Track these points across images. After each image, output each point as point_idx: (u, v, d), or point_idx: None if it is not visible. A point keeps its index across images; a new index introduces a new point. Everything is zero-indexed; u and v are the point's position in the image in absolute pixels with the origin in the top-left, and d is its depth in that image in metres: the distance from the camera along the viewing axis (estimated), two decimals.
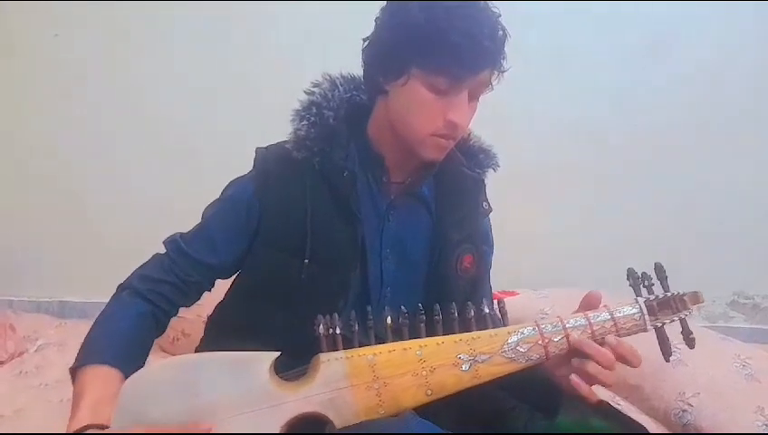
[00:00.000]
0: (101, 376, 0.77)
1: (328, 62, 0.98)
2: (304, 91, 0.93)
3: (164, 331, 0.93)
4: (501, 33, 0.83)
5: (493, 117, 1.02)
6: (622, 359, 0.75)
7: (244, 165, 0.97)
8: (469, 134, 1.01)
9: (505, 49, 0.85)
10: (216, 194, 0.98)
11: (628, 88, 1.98)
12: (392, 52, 0.84)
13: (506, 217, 1.15)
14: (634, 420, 0.91)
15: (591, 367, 0.73)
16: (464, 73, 0.81)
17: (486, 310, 0.76)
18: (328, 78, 0.95)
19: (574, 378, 0.74)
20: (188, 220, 0.96)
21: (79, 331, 0.87)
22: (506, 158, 1.03)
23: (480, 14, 0.82)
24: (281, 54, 1.95)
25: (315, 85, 0.94)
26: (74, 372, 0.79)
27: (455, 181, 0.97)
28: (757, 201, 2.02)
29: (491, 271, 1.06)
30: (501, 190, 1.05)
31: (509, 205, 1.20)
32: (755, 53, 1.95)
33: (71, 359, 0.81)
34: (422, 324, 0.75)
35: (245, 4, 1.93)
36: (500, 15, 0.84)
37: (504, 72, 0.87)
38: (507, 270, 1.22)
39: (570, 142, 2.01)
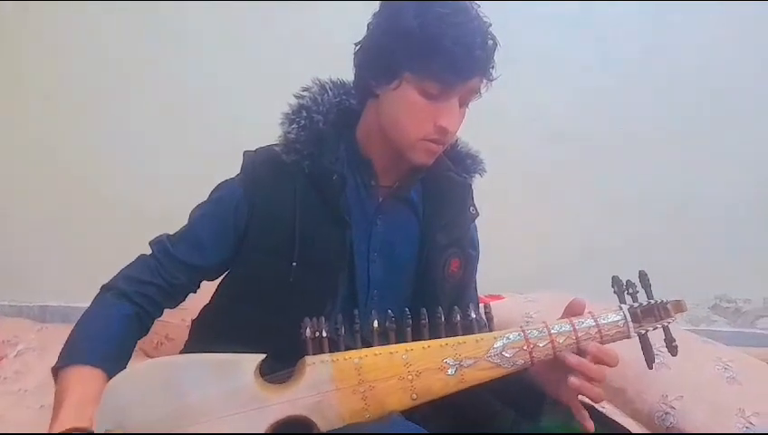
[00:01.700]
0: (85, 377, 0.76)
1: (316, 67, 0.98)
2: (294, 95, 0.94)
3: (147, 332, 0.93)
4: (491, 42, 0.85)
5: (482, 121, 1.03)
6: (601, 363, 0.76)
7: (224, 170, 0.97)
8: (456, 140, 1.02)
9: (494, 57, 0.86)
10: (198, 198, 0.98)
11: (617, 92, 2.00)
12: (385, 56, 0.85)
13: (493, 222, 1.16)
14: (617, 423, 0.92)
15: (578, 382, 0.74)
16: (455, 80, 0.82)
17: (473, 315, 0.77)
18: (317, 82, 0.95)
19: (566, 391, 0.76)
20: (171, 223, 0.96)
21: (60, 335, 0.86)
22: (494, 161, 1.04)
23: (472, 23, 0.83)
24: (265, 58, 1.94)
25: (305, 89, 0.94)
26: (57, 372, 0.78)
27: (442, 186, 0.98)
28: (740, 205, 2.05)
29: (477, 275, 1.07)
30: (488, 195, 1.06)
31: (496, 209, 1.21)
32: (747, 58, 1.98)
33: (51, 364, 0.80)
34: (408, 329, 0.75)
35: (238, 6, 1.92)
36: (491, 25, 0.86)
37: (493, 80, 0.88)
38: (493, 274, 1.22)
39: (555, 147, 2.02)
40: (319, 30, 1.90)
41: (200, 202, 0.97)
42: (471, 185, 1.02)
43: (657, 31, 1.97)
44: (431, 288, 0.94)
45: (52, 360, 0.80)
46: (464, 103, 0.88)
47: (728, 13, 1.94)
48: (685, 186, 2.05)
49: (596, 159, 2.03)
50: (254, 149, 0.98)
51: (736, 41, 1.97)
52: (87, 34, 1.96)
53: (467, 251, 1.00)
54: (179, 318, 1.39)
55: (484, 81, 0.87)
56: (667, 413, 1.31)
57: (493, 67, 0.87)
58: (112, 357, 0.80)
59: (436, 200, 0.97)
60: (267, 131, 0.96)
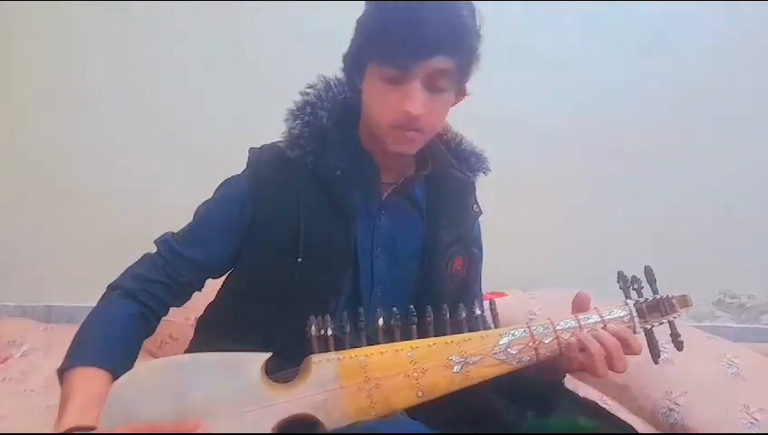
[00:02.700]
0: (90, 378, 0.76)
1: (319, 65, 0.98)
2: (299, 92, 0.94)
3: (153, 331, 0.92)
4: (458, 21, 0.83)
5: (481, 118, 1.02)
6: (626, 343, 0.76)
7: (228, 167, 0.98)
8: (461, 138, 1.02)
9: (466, 37, 0.84)
10: (203, 195, 0.98)
11: (617, 89, 1.99)
12: (355, 50, 0.88)
13: (496, 219, 1.16)
14: (621, 420, 0.93)
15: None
16: (408, 61, 0.81)
17: (478, 311, 0.77)
18: (323, 79, 0.96)
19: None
20: (175, 221, 0.96)
21: (65, 335, 0.86)
22: (495, 159, 1.04)
23: (428, 4, 0.82)
24: (268, 55, 1.94)
25: (310, 86, 0.95)
26: (62, 373, 0.78)
27: (445, 184, 0.98)
28: (743, 201, 2.04)
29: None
30: (490, 192, 1.06)
31: (498, 206, 1.20)
32: (745, 55, 1.97)
33: (56, 364, 0.80)
34: (414, 326, 0.75)
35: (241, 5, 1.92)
36: (467, 5, 0.84)
37: (472, 60, 0.86)
38: (496, 271, 1.22)
39: (557, 143, 2.02)
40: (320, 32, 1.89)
41: (205, 199, 0.97)
42: (474, 183, 1.02)
43: (657, 25, 1.96)
44: (435, 286, 0.94)
45: (58, 360, 0.80)
46: (435, 87, 0.84)
47: (731, 8, 1.93)
48: (687, 181, 2.04)
49: (598, 156, 2.03)
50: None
51: (741, 37, 1.95)
52: (85, 36, 1.96)
53: (471, 250, 1.00)
54: (183, 317, 1.40)
55: (462, 62, 0.84)
56: (671, 410, 1.31)
57: (468, 47, 0.84)
58: (117, 358, 0.80)
59: (439, 198, 0.98)
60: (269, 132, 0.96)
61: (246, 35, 1.95)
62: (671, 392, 1.32)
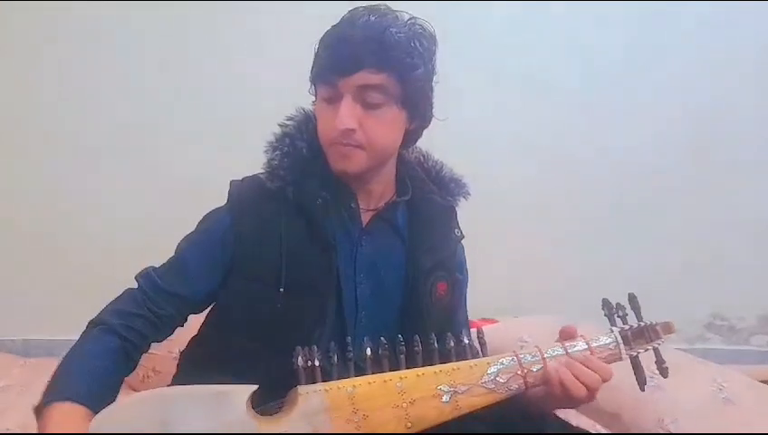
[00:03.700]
0: (68, 413, 0.74)
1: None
2: (279, 124, 0.96)
3: (135, 367, 0.91)
4: (387, 36, 0.84)
5: (472, 143, 1.02)
6: (587, 362, 0.77)
7: (214, 199, 0.97)
8: (441, 165, 1.04)
9: (407, 55, 0.85)
10: (186, 227, 0.97)
11: (610, 119, 2.02)
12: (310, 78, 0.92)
13: (487, 246, 1.16)
14: None
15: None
16: (333, 77, 0.85)
17: (466, 340, 0.76)
18: (302, 111, 0.97)
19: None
20: (157, 255, 0.95)
21: (44, 370, 0.84)
22: (485, 187, 1.04)
23: (355, 25, 0.85)
24: (253, 87, 1.95)
25: (290, 118, 0.97)
26: (40, 410, 0.76)
27: (426, 209, 0.99)
28: (734, 224, 2.06)
29: (469, 299, 1.07)
30: (479, 219, 1.06)
31: (490, 233, 1.21)
32: (729, 83, 2.02)
33: (35, 401, 0.77)
34: (402, 355, 0.74)
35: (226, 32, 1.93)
36: (403, 23, 0.86)
37: (415, 77, 0.86)
38: (487, 298, 1.21)
39: (545, 171, 2.04)
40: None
41: (188, 233, 0.97)
42: (455, 208, 1.03)
43: (643, 53, 2.00)
44: (418, 312, 0.94)
45: (37, 396, 0.78)
46: (367, 102, 0.85)
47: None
48: (678, 205, 2.06)
49: (586, 183, 2.05)
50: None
51: (721, 61, 2.00)
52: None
53: (454, 274, 1.00)
54: (166, 350, 1.37)
55: (395, 76, 0.85)
56: None
57: (398, 62, 0.85)
58: (96, 393, 0.78)
59: (420, 224, 0.98)
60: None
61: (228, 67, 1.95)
62: (662, 420, 1.32)
